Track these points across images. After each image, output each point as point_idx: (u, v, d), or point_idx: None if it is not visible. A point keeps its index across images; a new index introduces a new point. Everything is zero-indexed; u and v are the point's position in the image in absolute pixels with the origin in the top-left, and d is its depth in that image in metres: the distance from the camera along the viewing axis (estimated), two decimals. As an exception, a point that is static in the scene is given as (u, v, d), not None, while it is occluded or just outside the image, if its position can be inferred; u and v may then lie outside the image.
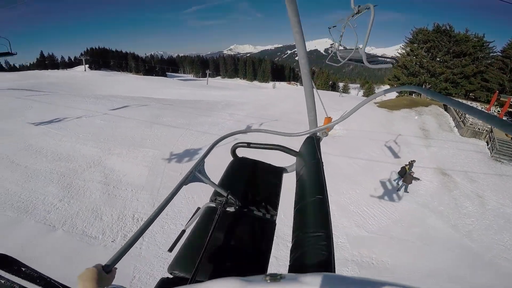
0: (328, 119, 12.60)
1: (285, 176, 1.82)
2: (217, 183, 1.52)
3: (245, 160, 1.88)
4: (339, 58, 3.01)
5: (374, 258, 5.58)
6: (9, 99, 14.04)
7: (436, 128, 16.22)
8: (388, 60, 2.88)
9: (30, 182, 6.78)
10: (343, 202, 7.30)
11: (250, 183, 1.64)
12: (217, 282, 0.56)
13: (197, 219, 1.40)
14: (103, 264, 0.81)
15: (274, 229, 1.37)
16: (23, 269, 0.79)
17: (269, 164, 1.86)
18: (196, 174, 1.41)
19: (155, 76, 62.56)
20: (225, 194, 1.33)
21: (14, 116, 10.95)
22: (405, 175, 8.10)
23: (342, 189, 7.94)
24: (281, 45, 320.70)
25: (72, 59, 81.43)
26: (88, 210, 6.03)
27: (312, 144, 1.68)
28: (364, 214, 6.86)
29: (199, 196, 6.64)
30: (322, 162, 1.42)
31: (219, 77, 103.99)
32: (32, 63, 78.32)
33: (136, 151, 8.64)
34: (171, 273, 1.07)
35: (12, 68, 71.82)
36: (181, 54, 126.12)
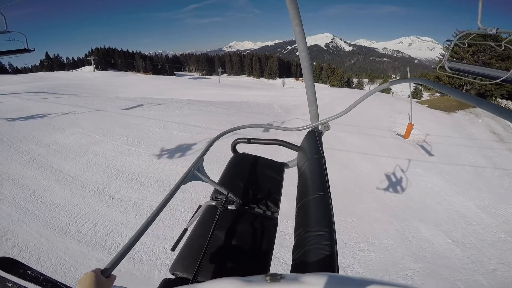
0: (411, 125, 10.72)
1: (286, 171, 1.76)
2: (217, 180, 1.49)
3: (245, 156, 1.83)
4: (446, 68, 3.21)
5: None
6: (53, 106, 12.17)
7: (503, 131, 15.71)
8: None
9: (160, 229, 5.03)
10: (476, 208, 7.02)
11: (251, 179, 1.58)
12: (217, 282, 0.56)
13: (198, 217, 1.36)
14: (102, 268, 0.78)
15: (276, 227, 1.32)
16: (29, 272, 0.79)
17: (270, 160, 1.81)
18: (195, 173, 1.29)
19: (166, 75, 60.51)
20: (225, 193, 1.28)
21: (72, 127, 9.11)
22: None
23: (470, 196, 7.59)
24: (281, 41, 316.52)
25: (76, 60, 78.81)
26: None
27: (314, 138, 1.57)
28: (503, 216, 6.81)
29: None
30: (324, 157, 1.34)
31: (225, 75, 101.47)
32: (34, 64, 75.88)
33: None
34: (173, 274, 1.05)
35: (15, 70, 69.35)
36: (181, 53, 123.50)
